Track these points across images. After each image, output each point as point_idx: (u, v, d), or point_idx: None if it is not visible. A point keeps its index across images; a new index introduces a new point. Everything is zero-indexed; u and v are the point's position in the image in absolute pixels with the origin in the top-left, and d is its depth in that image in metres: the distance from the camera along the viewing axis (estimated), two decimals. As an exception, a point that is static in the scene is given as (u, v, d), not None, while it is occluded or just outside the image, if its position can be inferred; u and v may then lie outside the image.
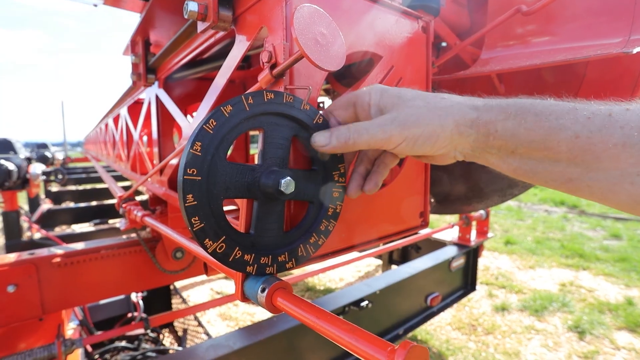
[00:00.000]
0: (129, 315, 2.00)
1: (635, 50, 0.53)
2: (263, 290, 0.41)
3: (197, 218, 0.38)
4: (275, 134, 0.43)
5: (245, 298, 0.45)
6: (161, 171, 1.02)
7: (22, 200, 3.27)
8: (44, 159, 4.27)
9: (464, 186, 1.15)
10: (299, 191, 0.45)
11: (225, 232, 0.40)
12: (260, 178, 0.42)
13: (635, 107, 0.31)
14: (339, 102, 0.47)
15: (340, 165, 0.49)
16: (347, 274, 3.48)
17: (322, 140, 0.43)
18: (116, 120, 2.17)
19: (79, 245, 1.16)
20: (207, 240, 0.39)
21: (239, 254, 0.41)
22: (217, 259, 0.40)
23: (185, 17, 0.52)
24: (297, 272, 2.60)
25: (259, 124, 0.41)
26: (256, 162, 0.43)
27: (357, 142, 0.41)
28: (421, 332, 2.44)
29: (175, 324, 2.30)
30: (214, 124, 0.38)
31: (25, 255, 1.05)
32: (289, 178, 0.41)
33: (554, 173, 0.35)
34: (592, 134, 0.32)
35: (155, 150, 1.13)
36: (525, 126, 0.35)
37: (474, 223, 2.20)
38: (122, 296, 2.04)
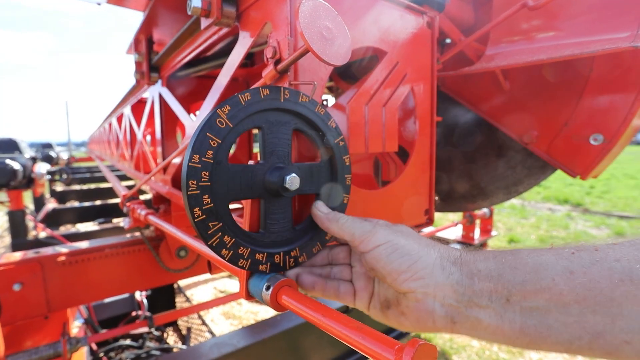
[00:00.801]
0: (133, 313, 2.01)
1: (645, 44, 0.52)
2: (268, 288, 0.41)
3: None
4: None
5: (250, 296, 0.44)
6: (164, 170, 1.02)
7: (27, 199, 3.30)
8: (48, 159, 4.30)
9: (468, 184, 1.14)
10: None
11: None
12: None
13: (624, 242, 0.30)
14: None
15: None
16: (350, 273, 3.48)
17: (322, 209, 0.44)
18: (120, 119, 2.18)
19: (84, 244, 1.17)
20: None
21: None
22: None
23: (189, 13, 0.51)
24: (300, 270, 2.60)
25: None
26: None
27: (344, 227, 0.41)
28: (425, 330, 2.43)
29: (179, 322, 2.31)
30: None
31: (30, 254, 1.06)
32: (293, 174, 0.40)
33: (572, 326, 0.29)
34: (586, 269, 0.29)
35: (159, 149, 1.13)
36: (508, 265, 0.33)
37: (477, 221, 2.19)
38: (126, 295, 2.05)
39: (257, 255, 0.41)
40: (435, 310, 0.35)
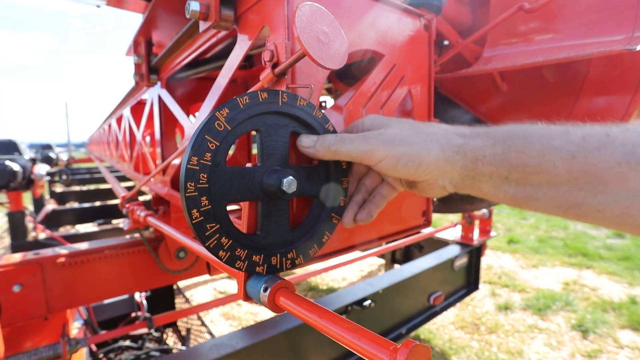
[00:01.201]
0: (133, 314, 2.01)
1: (639, 47, 0.53)
2: (265, 290, 0.41)
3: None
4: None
5: (247, 297, 0.45)
6: (164, 171, 1.02)
7: (27, 200, 3.30)
8: (48, 160, 4.30)
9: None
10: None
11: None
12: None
13: (636, 127, 0.30)
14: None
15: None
16: (349, 274, 3.48)
17: (307, 143, 0.43)
18: (119, 120, 2.18)
19: (83, 246, 1.17)
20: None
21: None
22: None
23: (187, 16, 0.52)
24: (299, 271, 2.60)
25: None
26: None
27: (339, 150, 0.41)
28: (424, 331, 2.43)
29: (179, 323, 2.31)
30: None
31: (30, 255, 1.06)
32: (290, 177, 0.41)
33: (556, 198, 0.33)
34: (589, 153, 0.30)
35: (158, 150, 1.13)
36: (515, 149, 0.34)
37: (476, 222, 2.19)
38: (125, 296, 2.05)
39: (254, 257, 0.42)
40: (446, 186, 0.41)
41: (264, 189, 0.42)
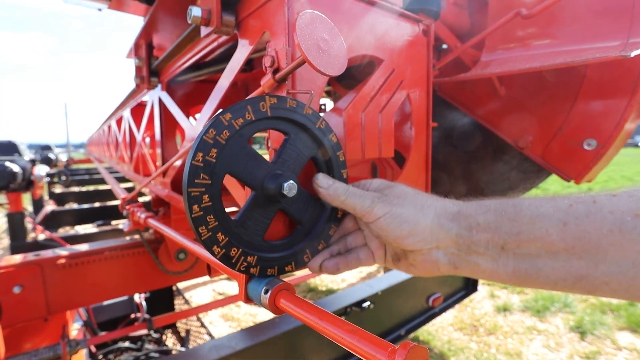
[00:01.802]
0: (132, 316, 2.01)
1: (633, 54, 0.53)
2: (266, 292, 0.42)
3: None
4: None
5: (248, 299, 0.45)
6: (164, 173, 1.03)
7: (26, 201, 3.29)
8: (47, 161, 4.29)
9: (465, 187, 1.15)
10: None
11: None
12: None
13: (623, 194, 0.31)
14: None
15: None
16: (349, 275, 3.48)
17: (323, 183, 0.45)
18: (119, 122, 2.19)
19: (83, 247, 1.17)
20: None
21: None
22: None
23: (189, 22, 0.53)
24: (299, 273, 2.60)
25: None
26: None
27: (346, 202, 0.43)
28: (423, 332, 2.44)
29: (178, 324, 2.31)
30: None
31: (30, 256, 1.07)
32: (292, 182, 0.41)
33: (559, 270, 0.32)
34: (579, 221, 0.31)
35: (158, 151, 1.14)
36: (507, 217, 0.35)
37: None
38: (125, 297, 2.05)
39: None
40: (439, 260, 0.39)
41: (265, 188, 0.42)
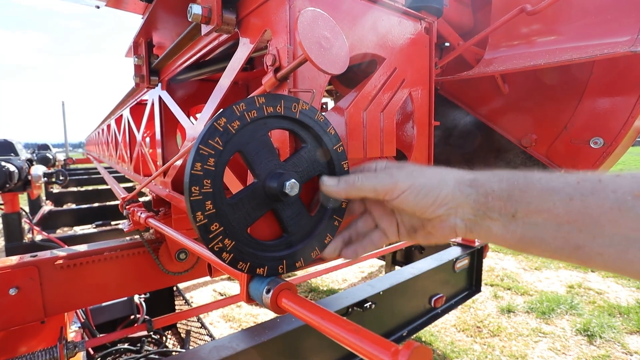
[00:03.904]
0: (132, 317, 2.00)
1: (642, 50, 0.53)
2: (268, 292, 0.42)
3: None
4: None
5: (250, 299, 0.45)
6: (165, 173, 1.02)
7: (22, 202, 3.28)
8: (45, 160, 4.27)
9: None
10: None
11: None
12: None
13: (626, 174, 0.33)
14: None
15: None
16: (350, 275, 3.48)
17: (331, 182, 0.45)
18: (118, 121, 2.18)
19: (82, 247, 1.16)
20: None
21: (222, 236, 0.40)
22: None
23: (190, 20, 0.52)
24: (300, 273, 2.60)
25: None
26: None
27: (363, 186, 0.43)
28: (425, 333, 2.43)
29: (178, 325, 2.30)
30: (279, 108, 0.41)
31: (27, 257, 1.05)
32: (293, 180, 0.41)
33: (559, 240, 0.35)
34: (585, 197, 0.33)
35: (159, 151, 1.13)
36: (519, 188, 0.37)
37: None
38: (124, 298, 2.04)
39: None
40: (457, 224, 0.42)
41: (267, 179, 0.42)
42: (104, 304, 1.94)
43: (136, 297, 2.07)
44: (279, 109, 0.41)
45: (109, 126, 2.79)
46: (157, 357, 1.79)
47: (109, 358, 1.79)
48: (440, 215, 0.42)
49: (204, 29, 0.56)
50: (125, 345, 1.85)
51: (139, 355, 1.77)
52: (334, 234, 0.49)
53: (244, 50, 0.57)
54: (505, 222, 0.38)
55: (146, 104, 1.28)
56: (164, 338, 2.15)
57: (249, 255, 0.41)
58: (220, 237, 0.39)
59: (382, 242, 0.49)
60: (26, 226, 2.83)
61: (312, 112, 0.44)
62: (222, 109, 0.38)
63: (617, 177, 0.33)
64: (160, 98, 1.08)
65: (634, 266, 0.32)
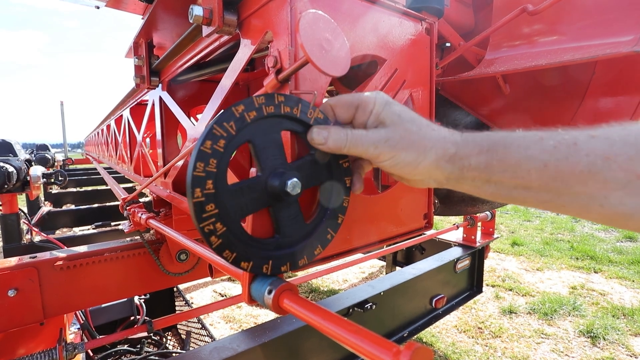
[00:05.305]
0: (132, 318, 2.00)
1: (646, 50, 0.52)
2: (270, 292, 0.41)
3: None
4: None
5: (251, 300, 0.45)
6: (165, 173, 1.02)
7: (21, 202, 3.28)
8: (44, 161, 4.25)
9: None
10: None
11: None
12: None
13: (601, 133, 0.34)
14: (342, 100, 0.47)
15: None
16: (350, 275, 3.47)
17: (319, 139, 0.44)
18: (118, 122, 2.18)
19: (82, 248, 1.16)
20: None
21: (214, 218, 0.40)
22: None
23: (191, 21, 0.52)
24: (300, 273, 2.60)
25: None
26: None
27: (350, 150, 0.44)
28: (426, 334, 2.42)
29: (179, 326, 2.29)
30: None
31: (26, 258, 1.05)
32: (295, 179, 0.41)
33: (528, 198, 0.39)
34: (559, 162, 0.35)
35: (159, 151, 1.13)
36: (497, 158, 0.39)
37: (479, 224, 2.18)
38: (124, 299, 2.04)
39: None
40: (430, 184, 0.46)
41: (269, 191, 0.41)
42: (103, 305, 1.94)
43: (136, 298, 2.07)
44: (295, 111, 0.42)
45: (108, 126, 2.79)
46: (157, 358, 1.79)
47: (108, 359, 1.78)
48: (415, 180, 0.46)
49: (205, 30, 0.56)
50: (125, 347, 1.85)
51: (139, 357, 1.77)
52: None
53: (245, 51, 0.56)
54: (477, 185, 0.42)
55: (146, 104, 1.28)
56: (164, 339, 2.15)
57: (237, 246, 0.40)
58: (213, 219, 0.38)
59: (369, 167, 0.52)
60: (25, 227, 2.83)
61: (325, 122, 0.45)
62: (243, 102, 0.39)
63: (592, 139, 0.34)
64: (160, 99, 1.07)
65: (592, 215, 0.35)
